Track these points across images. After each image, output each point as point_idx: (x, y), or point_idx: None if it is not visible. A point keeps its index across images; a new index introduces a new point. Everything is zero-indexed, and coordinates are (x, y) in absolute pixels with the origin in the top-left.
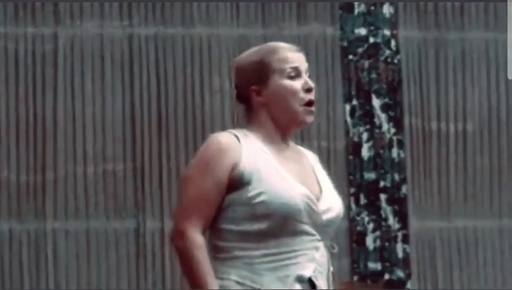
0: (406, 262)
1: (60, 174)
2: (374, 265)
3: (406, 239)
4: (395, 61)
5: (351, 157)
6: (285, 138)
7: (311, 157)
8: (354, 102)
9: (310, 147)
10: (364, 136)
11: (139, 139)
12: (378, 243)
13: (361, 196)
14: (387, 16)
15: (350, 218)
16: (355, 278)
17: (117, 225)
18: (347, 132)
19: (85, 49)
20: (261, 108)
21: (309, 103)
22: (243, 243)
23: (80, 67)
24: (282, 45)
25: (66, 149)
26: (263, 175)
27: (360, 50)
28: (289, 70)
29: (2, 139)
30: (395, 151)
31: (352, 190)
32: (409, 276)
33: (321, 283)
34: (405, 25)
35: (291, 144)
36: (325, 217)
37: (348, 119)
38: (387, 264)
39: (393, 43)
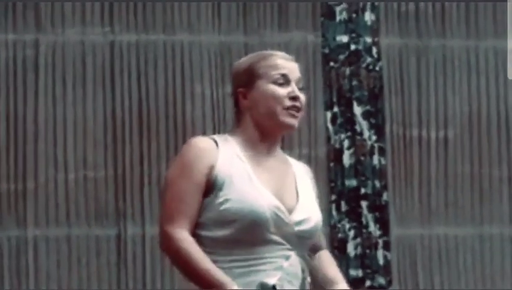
0: (387, 269)
1: (40, 181)
2: (355, 272)
3: (387, 246)
4: (377, 68)
5: (332, 164)
6: (271, 145)
7: (299, 169)
8: (335, 109)
9: (291, 154)
10: (346, 143)
11: (120, 146)
12: (359, 250)
13: (342, 203)
14: (369, 23)
15: (331, 225)
16: None
17: (98, 232)
18: (328, 139)
19: (66, 56)
20: (247, 112)
21: (292, 108)
22: (211, 248)
23: (61, 74)
24: (276, 52)
25: (47, 156)
26: (234, 181)
27: (341, 57)
28: (277, 76)
29: None
30: (376, 158)
31: (333, 197)
32: (390, 283)
33: None
34: (386, 32)
35: (279, 152)
36: (297, 228)
37: (329, 126)
38: (369, 271)
39: (374, 50)
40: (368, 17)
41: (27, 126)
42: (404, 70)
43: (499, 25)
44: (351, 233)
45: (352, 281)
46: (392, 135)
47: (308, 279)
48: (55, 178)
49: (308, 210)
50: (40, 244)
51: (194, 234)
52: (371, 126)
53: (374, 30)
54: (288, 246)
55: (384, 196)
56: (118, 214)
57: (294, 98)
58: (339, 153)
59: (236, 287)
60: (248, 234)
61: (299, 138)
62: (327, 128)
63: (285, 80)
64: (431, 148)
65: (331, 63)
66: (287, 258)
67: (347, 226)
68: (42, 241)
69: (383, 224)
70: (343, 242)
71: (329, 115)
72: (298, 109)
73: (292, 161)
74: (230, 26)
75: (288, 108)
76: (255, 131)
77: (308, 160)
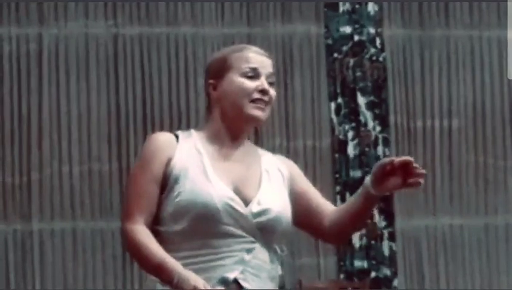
0: (392, 260)
1: (45, 175)
2: (361, 263)
3: (392, 237)
4: (380, 59)
5: (336, 155)
6: (236, 138)
7: (269, 162)
8: (340, 100)
9: (296, 146)
10: (350, 134)
11: (124, 139)
12: (364, 241)
13: (347, 194)
14: (372, 13)
15: None
16: (342, 276)
17: (103, 225)
18: (332, 130)
19: (70, 49)
20: (216, 104)
21: (259, 100)
22: (168, 244)
23: (65, 68)
24: (250, 46)
25: (51, 149)
26: (189, 174)
27: (344, 48)
28: (247, 69)
29: None
30: (380, 149)
31: (338, 188)
32: (395, 274)
33: (253, 285)
34: (390, 23)
35: (247, 144)
36: (256, 219)
37: (334, 117)
38: (374, 262)
39: (378, 41)
40: (371, 7)
41: (31, 119)
42: (407, 61)
43: (502, 15)
44: None
45: (357, 272)
46: (396, 125)
47: (279, 271)
48: (59, 171)
49: (268, 201)
50: (45, 237)
51: (154, 230)
52: (375, 117)
53: (378, 21)
54: (250, 238)
55: None
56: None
57: (262, 92)
58: (344, 144)
59: (185, 272)
60: (201, 227)
61: (303, 129)
62: (331, 119)
63: (255, 74)
64: (435, 138)
65: (335, 54)
66: (249, 251)
67: None
68: (47, 235)
69: (388, 215)
70: None
71: (333, 106)
72: (266, 103)
73: (263, 153)
74: (233, 19)
75: (255, 100)
76: (221, 123)
77: (313, 151)
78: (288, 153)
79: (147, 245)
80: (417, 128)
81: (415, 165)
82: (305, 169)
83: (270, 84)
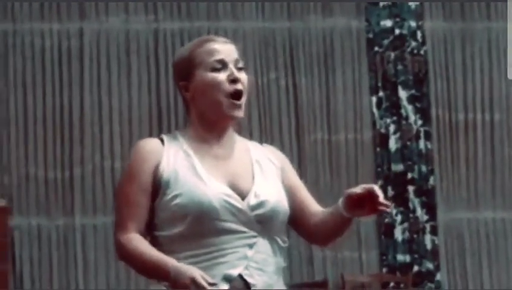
0: (434, 254)
1: (87, 170)
2: (403, 257)
3: (434, 231)
4: (421, 52)
5: (378, 149)
6: (220, 133)
7: (259, 153)
8: (381, 94)
9: (337, 139)
10: (392, 127)
11: (166, 133)
12: (406, 235)
13: (389, 188)
14: (413, 7)
15: None
16: (384, 270)
17: None
18: (374, 124)
19: (111, 45)
20: (192, 105)
21: (235, 95)
22: (167, 247)
23: (106, 63)
24: (210, 37)
25: (93, 144)
26: (180, 177)
27: (385, 42)
28: (213, 62)
29: (30, 135)
30: (422, 143)
31: (380, 182)
32: (437, 267)
33: (258, 279)
34: (431, 16)
35: (233, 138)
36: (254, 212)
37: (375, 110)
38: (416, 256)
39: (419, 34)
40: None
41: (73, 115)
42: (449, 54)
43: None
44: (398, 218)
45: (399, 266)
46: (437, 119)
47: (283, 263)
48: (101, 166)
49: (265, 193)
50: (87, 232)
51: (152, 236)
52: (417, 110)
53: (418, 14)
54: (251, 233)
55: (431, 181)
56: None
57: (234, 81)
58: (385, 137)
59: (175, 263)
60: (200, 227)
61: (344, 123)
62: (372, 113)
63: (222, 65)
64: (477, 131)
65: (376, 48)
66: (251, 246)
67: (394, 211)
68: (90, 230)
69: (430, 209)
70: (391, 227)
71: (374, 99)
72: (240, 94)
73: (251, 144)
74: (274, 13)
75: (230, 94)
76: (201, 121)
77: (354, 145)
78: (330, 146)
79: (140, 249)
80: (459, 121)
81: (377, 195)
82: (347, 163)
83: (240, 69)
